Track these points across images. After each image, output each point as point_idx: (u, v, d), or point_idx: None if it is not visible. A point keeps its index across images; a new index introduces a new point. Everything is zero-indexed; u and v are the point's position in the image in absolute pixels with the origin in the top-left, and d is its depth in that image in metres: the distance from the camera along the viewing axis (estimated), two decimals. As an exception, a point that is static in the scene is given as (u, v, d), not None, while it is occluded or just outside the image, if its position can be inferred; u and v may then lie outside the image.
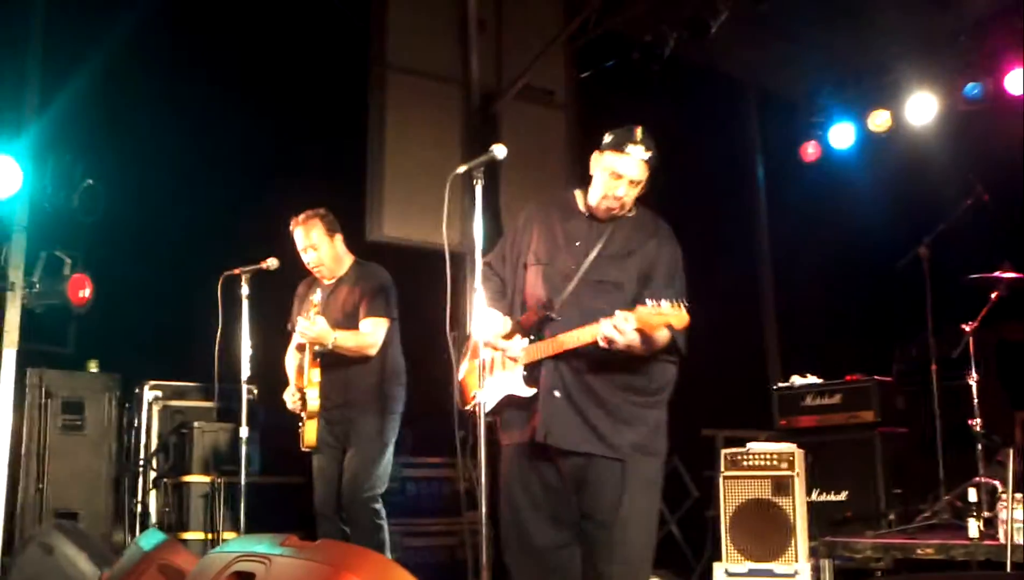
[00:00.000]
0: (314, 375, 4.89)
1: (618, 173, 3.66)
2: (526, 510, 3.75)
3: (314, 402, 4.87)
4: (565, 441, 3.62)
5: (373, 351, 4.89)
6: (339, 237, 5.06)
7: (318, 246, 4.98)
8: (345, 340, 4.81)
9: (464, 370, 3.93)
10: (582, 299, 3.65)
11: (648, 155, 3.66)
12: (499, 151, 3.66)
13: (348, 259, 5.11)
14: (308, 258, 5.01)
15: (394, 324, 4.98)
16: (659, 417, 3.73)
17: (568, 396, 3.63)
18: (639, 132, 3.69)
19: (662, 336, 3.52)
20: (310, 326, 4.73)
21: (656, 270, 3.67)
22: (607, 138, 3.74)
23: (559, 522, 3.73)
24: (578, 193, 3.87)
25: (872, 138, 8.31)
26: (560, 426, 3.62)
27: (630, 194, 3.70)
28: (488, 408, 3.77)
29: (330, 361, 4.89)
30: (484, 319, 3.66)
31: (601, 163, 3.73)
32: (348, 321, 4.91)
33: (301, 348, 5.05)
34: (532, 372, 3.70)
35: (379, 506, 4.86)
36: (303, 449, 4.96)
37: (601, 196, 3.72)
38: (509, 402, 3.76)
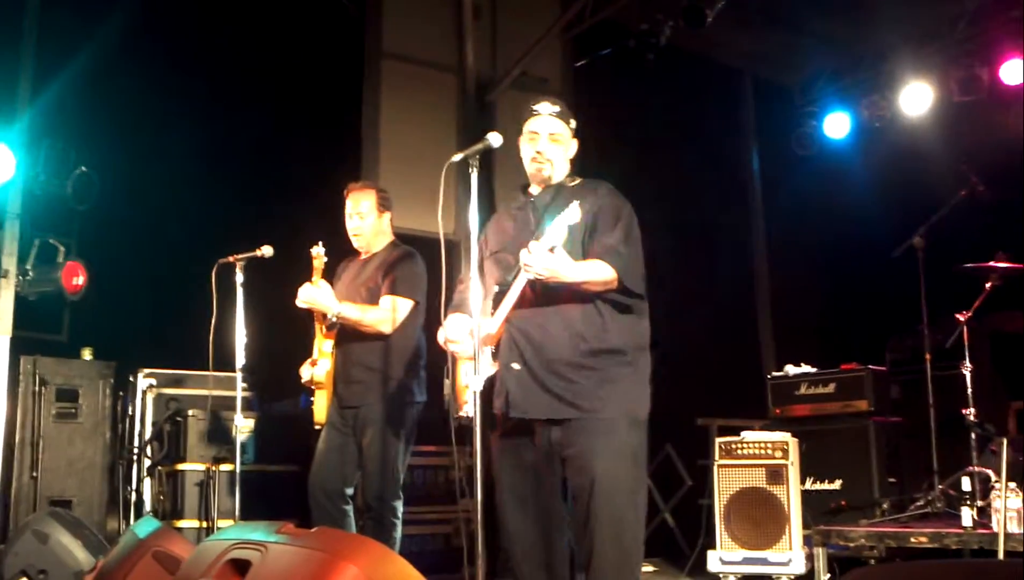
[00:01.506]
0: (325, 346, 4.76)
1: (533, 132, 3.79)
2: (505, 493, 3.79)
3: (321, 373, 4.73)
4: (531, 410, 3.64)
5: (387, 329, 4.71)
6: (388, 216, 4.97)
7: (365, 215, 4.88)
8: (351, 312, 4.68)
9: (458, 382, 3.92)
10: None
11: (556, 108, 3.78)
12: (494, 139, 3.65)
13: (387, 238, 5.00)
14: (351, 224, 4.91)
15: (418, 308, 4.82)
16: (624, 375, 3.67)
17: (527, 366, 3.65)
18: (544, 97, 3.88)
19: (594, 269, 3.55)
20: (313, 294, 4.63)
21: (598, 222, 3.69)
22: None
23: (532, 504, 3.74)
24: (522, 188, 3.97)
25: (867, 128, 8.31)
26: (522, 397, 3.65)
27: (552, 150, 3.78)
28: (470, 411, 3.74)
29: (344, 335, 4.76)
30: (449, 323, 3.76)
31: (521, 138, 3.85)
32: (371, 296, 4.78)
33: (320, 317, 4.94)
34: (497, 349, 3.75)
35: (398, 502, 4.74)
36: (315, 426, 4.82)
37: (528, 161, 3.82)
38: (492, 383, 3.75)
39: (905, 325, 6.60)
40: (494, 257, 3.87)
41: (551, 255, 3.45)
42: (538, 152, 3.78)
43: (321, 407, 4.79)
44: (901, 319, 6.68)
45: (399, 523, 4.78)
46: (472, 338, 3.63)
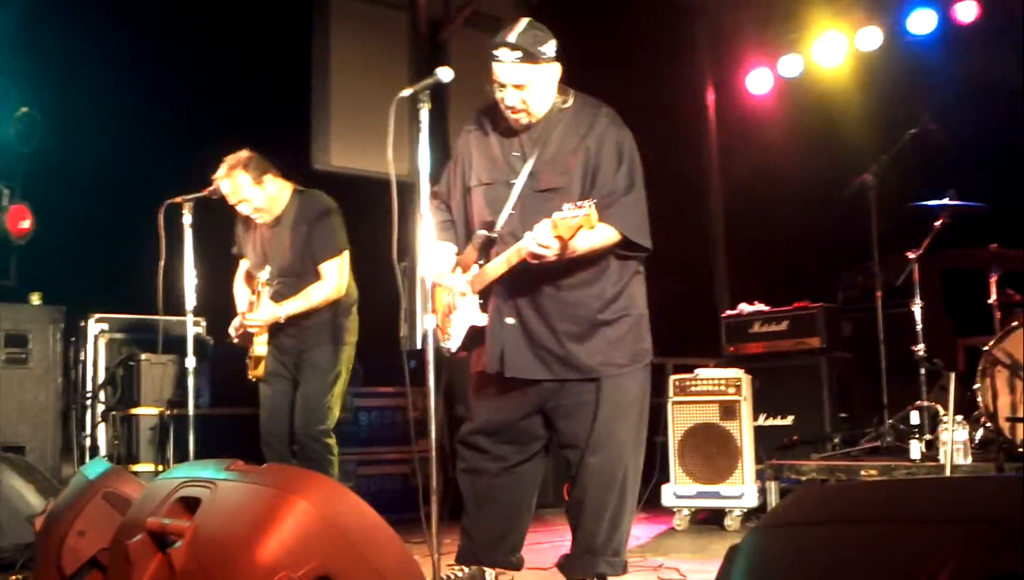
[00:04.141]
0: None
1: (498, 81, 3.47)
2: (480, 436, 3.73)
3: (261, 348, 4.74)
4: (524, 370, 3.50)
5: (340, 293, 4.74)
6: (270, 175, 4.75)
7: (251, 197, 4.71)
8: (295, 306, 4.68)
9: (439, 313, 3.81)
10: (526, 213, 3.45)
11: (517, 55, 3.40)
12: (444, 73, 3.59)
13: (286, 193, 4.82)
14: (243, 209, 4.76)
15: (346, 253, 4.81)
16: (627, 327, 3.54)
17: (522, 322, 3.50)
18: (508, 31, 3.46)
19: (597, 236, 3.33)
20: (257, 318, 4.64)
21: (601, 162, 3.44)
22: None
23: (517, 446, 3.67)
24: None
25: (820, 68, 8.31)
26: (516, 355, 3.50)
27: (523, 99, 3.45)
28: (457, 344, 3.70)
29: (278, 296, 4.74)
30: (431, 255, 3.54)
31: (492, 78, 3.53)
32: (298, 260, 4.73)
33: (249, 278, 4.97)
34: (486, 299, 3.59)
35: (331, 440, 4.77)
36: (251, 378, 4.87)
37: (504, 109, 3.51)
38: (475, 332, 3.64)
39: (857, 263, 6.67)
40: (483, 189, 3.60)
41: (559, 243, 3.20)
42: (508, 106, 3.47)
43: (260, 363, 4.81)
44: (853, 257, 6.75)
45: (335, 459, 4.80)
46: (438, 276, 3.56)
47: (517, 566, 3.80)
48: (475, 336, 3.65)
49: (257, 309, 4.68)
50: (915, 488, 1.42)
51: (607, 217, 3.33)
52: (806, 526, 1.29)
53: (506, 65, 3.42)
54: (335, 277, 4.73)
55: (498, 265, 3.49)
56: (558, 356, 3.48)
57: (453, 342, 3.67)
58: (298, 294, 4.70)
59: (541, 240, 3.21)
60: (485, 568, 3.75)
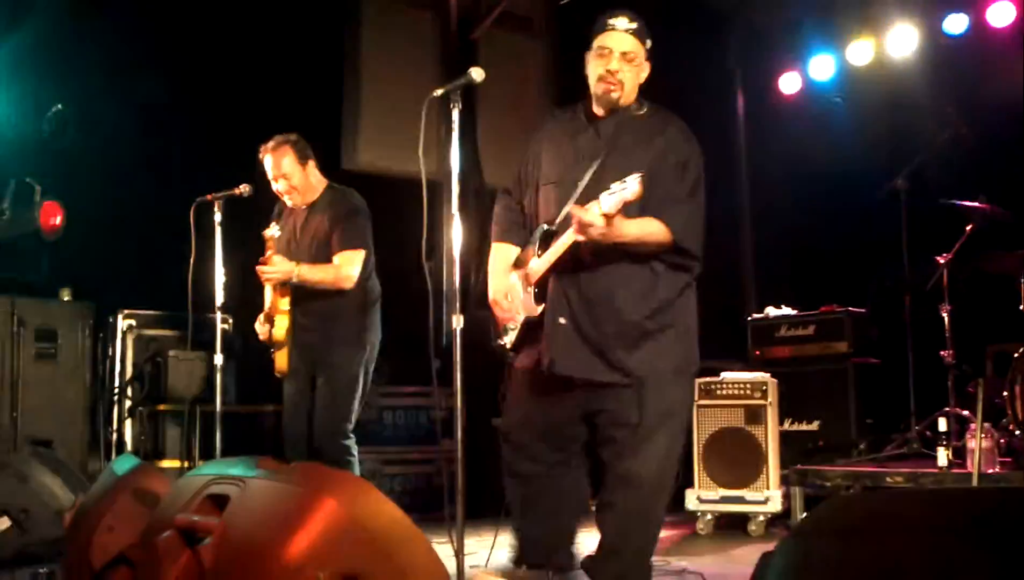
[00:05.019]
0: (283, 303, 4.76)
1: (605, 47, 3.47)
2: (522, 434, 3.70)
3: (280, 330, 4.73)
4: (573, 370, 3.49)
5: (350, 284, 4.73)
6: (312, 163, 4.86)
7: (290, 175, 4.78)
8: (311, 273, 4.69)
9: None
10: None
11: (634, 25, 3.47)
12: (476, 74, 3.60)
13: (321, 185, 4.92)
14: (279, 187, 4.83)
15: (370, 253, 4.84)
16: (674, 338, 3.52)
17: (574, 322, 3.49)
18: (621, 11, 3.53)
19: (646, 227, 3.35)
20: (271, 269, 4.64)
21: (665, 168, 3.44)
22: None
23: (556, 448, 3.66)
24: (583, 105, 3.67)
25: (852, 70, 8.25)
26: (566, 355, 3.49)
27: (625, 70, 3.47)
28: (512, 341, 3.67)
29: (305, 292, 4.76)
30: (492, 256, 3.62)
31: (590, 53, 3.54)
32: (320, 250, 4.77)
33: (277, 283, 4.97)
34: (542, 290, 3.57)
35: (350, 441, 4.75)
36: (276, 375, 4.88)
37: (596, 80, 3.50)
38: (527, 325, 3.61)
39: (886, 267, 6.62)
40: (551, 187, 3.60)
41: (604, 220, 3.22)
42: (608, 70, 3.44)
43: (283, 356, 4.81)
44: (882, 261, 6.70)
45: (355, 460, 4.79)
46: (511, 278, 3.60)
47: (571, 566, 3.79)
48: (529, 334, 3.63)
49: (272, 265, 4.65)
50: (951, 497, 1.41)
51: (660, 214, 3.36)
52: (848, 534, 1.28)
53: (619, 33, 3.45)
54: (348, 266, 4.73)
55: (553, 251, 3.49)
56: (605, 359, 3.48)
57: (509, 338, 3.67)
58: (310, 268, 4.71)
59: (587, 216, 3.23)
60: (542, 570, 3.74)
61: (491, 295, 3.68)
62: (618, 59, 3.46)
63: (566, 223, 3.46)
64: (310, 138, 5.07)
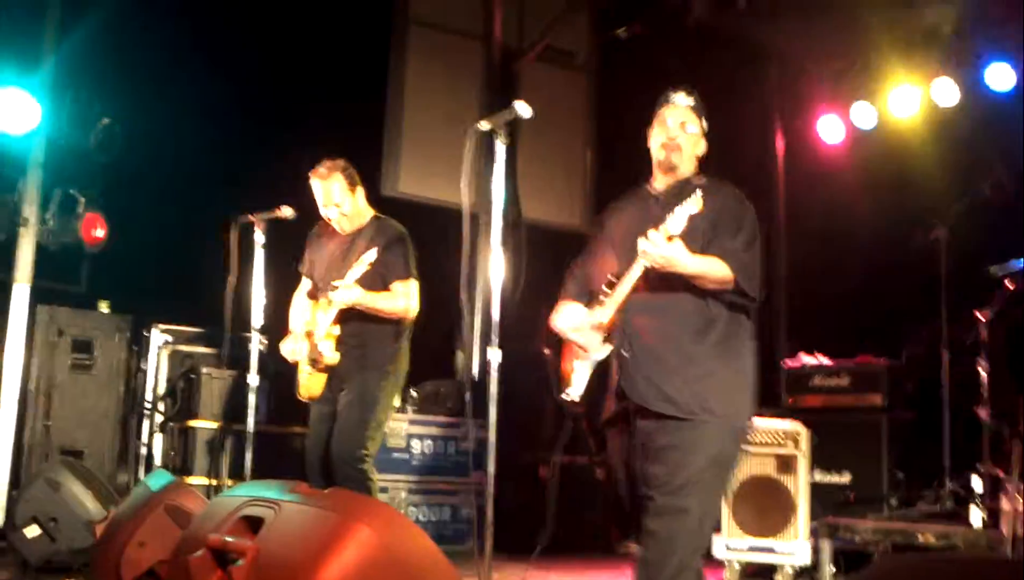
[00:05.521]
0: (335, 329, 4.71)
1: (665, 118, 3.72)
2: (620, 482, 3.76)
3: (333, 356, 4.68)
4: (632, 394, 3.59)
5: (413, 314, 4.73)
6: (360, 190, 4.84)
7: (340, 202, 4.75)
8: (380, 302, 4.65)
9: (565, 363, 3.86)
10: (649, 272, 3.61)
11: (691, 100, 3.72)
12: (522, 109, 3.63)
13: (368, 213, 4.90)
14: (328, 213, 4.79)
15: (415, 282, 4.79)
16: (730, 380, 3.60)
17: (633, 355, 3.60)
18: (681, 87, 3.77)
19: (709, 263, 3.49)
20: (347, 293, 4.58)
21: (721, 223, 3.59)
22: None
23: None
24: (646, 182, 3.86)
25: (894, 119, 8.22)
26: (627, 383, 3.60)
27: (683, 138, 3.69)
28: (579, 391, 3.70)
29: (348, 316, 4.72)
30: (563, 310, 3.74)
31: (651, 127, 3.76)
32: (364, 279, 4.70)
33: (313, 295, 4.95)
34: (610, 335, 3.69)
35: (367, 466, 4.65)
36: (301, 398, 4.82)
37: (658, 147, 3.71)
38: (600, 370, 3.70)
39: (922, 317, 6.55)
40: (615, 252, 3.77)
41: (669, 243, 3.41)
42: (670, 138, 3.69)
43: (320, 381, 4.76)
44: (919, 311, 6.63)
45: (374, 487, 4.70)
46: (577, 326, 3.66)
47: None
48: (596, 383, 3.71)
49: (350, 288, 4.58)
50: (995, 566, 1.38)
51: (715, 250, 3.51)
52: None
53: (678, 107, 3.72)
54: (405, 297, 4.72)
55: (621, 289, 3.61)
56: (660, 390, 3.54)
57: (575, 389, 3.72)
58: (373, 295, 4.65)
59: (652, 236, 3.42)
60: None
61: (565, 333, 3.74)
62: (677, 127, 3.70)
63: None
64: (350, 162, 5.06)
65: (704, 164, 3.88)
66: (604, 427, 3.80)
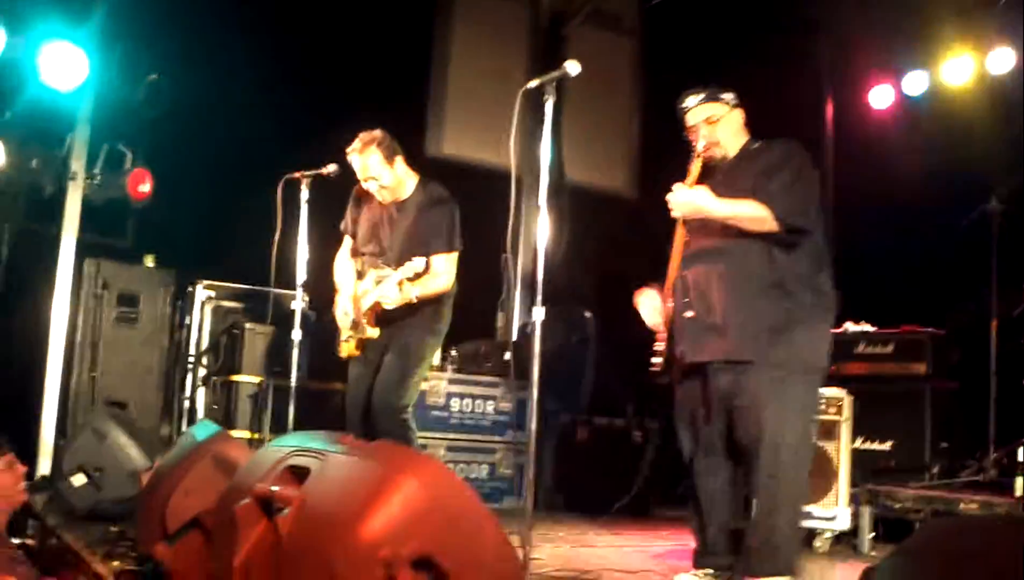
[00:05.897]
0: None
1: (691, 127, 3.87)
2: (682, 431, 3.89)
3: (372, 331, 4.72)
4: (699, 354, 3.70)
5: (447, 288, 4.76)
6: (399, 159, 4.78)
7: (379, 175, 4.72)
8: (424, 291, 4.64)
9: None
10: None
11: (700, 96, 3.84)
12: (572, 67, 3.62)
13: (411, 179, 4.85)
14: (369, 186, 4.78)
15: (456, 254, 4.80)
16: (795, 318, 3.65)
17: (694, 310, 3.71)
18: (690, 91, 3.90)
19: (738, 204, 3.60)
20: (393, 297, 4.59)
21: (764, 172, 3.70)
22: None
23: (704, 447, 3.83)
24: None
25: (946, 87, 8.06)
26: (693, 341, 3.71)
27: (711, 133, 3.83)
28: (659, 359, 3.84)
29: None
30: (643, 299, 3.90)
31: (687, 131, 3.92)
32: (413, 246, 4.70)
33: (354, 255, 4.96)
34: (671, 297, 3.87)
35: (408, 417, 4.73)
36: (341, 356, 4.87)
37: (701, 151, 3.84)
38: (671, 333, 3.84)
39: (971, 290, 6.45)
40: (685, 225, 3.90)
41: (690, 190, 3.59)
42: (703, 138, 3.83)
43: (358, 344, 4.81)
44: (967, 284, 6.53)
45: (414, 438, 4.77)
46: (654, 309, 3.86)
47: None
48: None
49: (386, 289, 4.61)
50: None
51: (760, 196, 3.60)
52: (962, 558, 1.24)
53: (692, 110, 3.86)
54: (445, 272, 4.72)
55: (673, 255, 3.77)
56: (734, 341, 3.63)
57: (658, 359, 3.84)
58: (422, 284, 4.66)
59: (675, 188, 3.63)
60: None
61: (646, 317, 3.91)
62: (703, 128, 3.84)
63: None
64: (393, 121, 5.02)
65: (753, 128, 3.90)
66: (669, 384, 3.90)
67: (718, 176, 3.81)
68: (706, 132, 3.83)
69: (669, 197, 3.62)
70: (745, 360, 3.61)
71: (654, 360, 3.83)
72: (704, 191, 3.60)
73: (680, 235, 3.78)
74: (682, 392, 3.86)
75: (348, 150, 4.76)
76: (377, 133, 4.76)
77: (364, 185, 4.80)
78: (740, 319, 3.62)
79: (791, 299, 3.64)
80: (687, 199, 3.61)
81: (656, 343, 3.86)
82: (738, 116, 3.89)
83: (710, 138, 3.82)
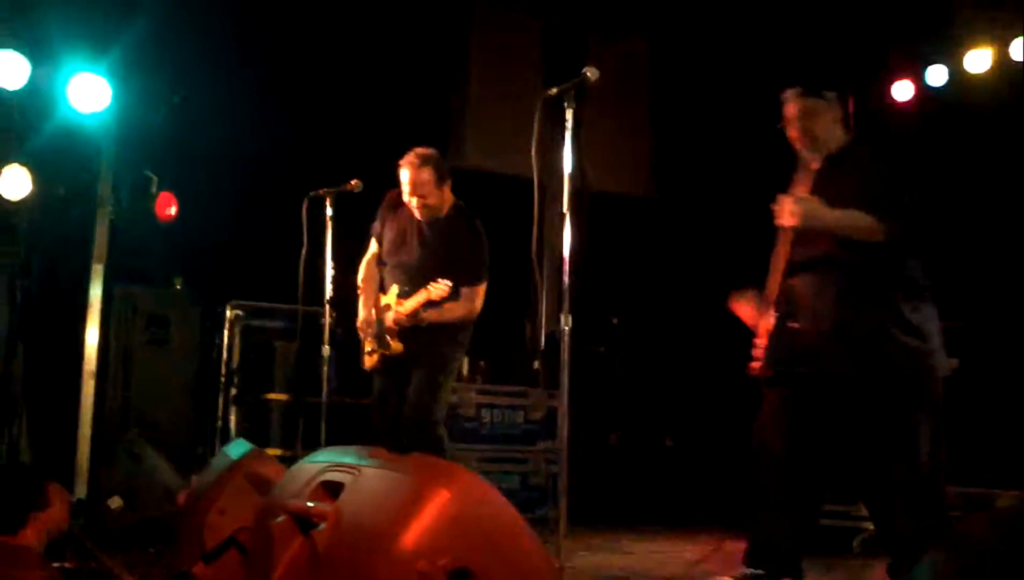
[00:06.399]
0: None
1: (784, 119, 3.80)
2: (771, 433, 3.74)
3: (397, 345, 4.75)
4: (806, 366, 3.59)
5: (471, 317, 4.76)
6: (449, 183, 4.76)
7: (428, 194, 4.69)
8: (445, 315, 4.65)
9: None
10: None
11: (796, 89, 3.76)
12: (591, 73, 3.62)
13: (446, 202, 4.82)
14: (411, 200, 4.73)
15: (486, 284, 4.79)
16: (905, 327, 3.50)
17: (799, 321, 3.62)
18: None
19: (848, 215, 3.50)
20: (413, 318, 4.63)
21: (880, 174, 3.59)
22: None
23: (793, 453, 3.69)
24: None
25: (968, 78, 7.99)
26: (796, 354, 3.61)
27: (806, 126, 3.75)
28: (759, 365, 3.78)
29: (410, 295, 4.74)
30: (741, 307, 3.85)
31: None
32: (441, 266, 4.69)
33: (377, 260, 4.97)
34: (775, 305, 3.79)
35: (443, 432, 4.73)
36: (366, 368, 4.89)
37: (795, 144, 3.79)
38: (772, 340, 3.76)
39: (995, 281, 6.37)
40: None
41: (802, 199, 3.52)
42: (796, 136, 3.77)
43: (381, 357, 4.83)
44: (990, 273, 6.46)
45: (447, 446, 4.74)
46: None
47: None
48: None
49: (408, 308, 4.65)
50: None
51: (879, 208, 3.47)
52: (1004, 548, 1.23)
53: (788, 102, 3.79)
54: (472, 302, 4.72)
55: (775, 261, 3.72)
56: (838, 352, 3.53)
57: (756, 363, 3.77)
58: (440, 309, 4.67)
59: (781, 199, 3.55)
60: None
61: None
62: (796, 123, 3.76)
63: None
64: (415, 133, 5.05)
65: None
66: (762, 388, 3.78)
67: (817, 176, 3.73)
68: (799, 126, 3.75)
69: (778, 206, 3.53)
70: (857, 371, 3.51)
71: (752, 364, 3.75)
72: (812, 200, 3.52)
73: (783, 243, 3.70)
74: (776, 399, 3.73)
75: (401, 162, 4.72)
76: (434, 152, 4.74)
77: (406, 198, 4.77)
78: (853, 328, 3.51)
79: (896, 307, 3.52)
80: (798, 209, 3.49)
81: (753, 347, 3.77)
82: (838, 110, 3.79)
83: (804, 134, 3.75)
